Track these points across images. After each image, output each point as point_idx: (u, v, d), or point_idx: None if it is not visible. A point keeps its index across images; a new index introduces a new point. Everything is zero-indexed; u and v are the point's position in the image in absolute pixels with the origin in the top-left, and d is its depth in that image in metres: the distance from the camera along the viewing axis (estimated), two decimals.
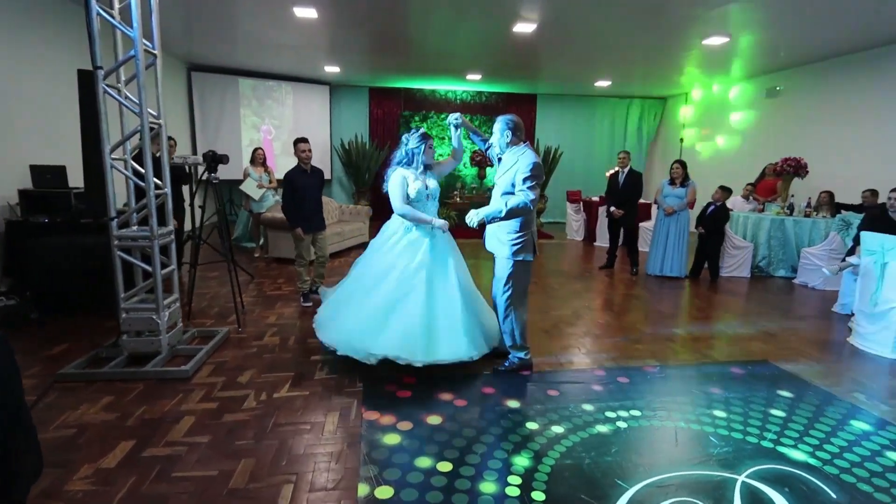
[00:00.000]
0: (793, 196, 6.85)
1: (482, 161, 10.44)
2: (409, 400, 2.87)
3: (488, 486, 2.11)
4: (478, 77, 9.58)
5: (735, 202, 7.26)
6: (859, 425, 2.72)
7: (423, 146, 3.20)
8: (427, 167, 3.28)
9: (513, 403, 2.86)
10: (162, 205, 3.36)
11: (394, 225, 3.28)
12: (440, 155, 3.53)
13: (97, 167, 3.08)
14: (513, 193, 2.99)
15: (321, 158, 10.16)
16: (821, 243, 5.97)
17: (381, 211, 9.81)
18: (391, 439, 2.45)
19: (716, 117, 9.91)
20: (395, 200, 3.15)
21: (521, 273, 3.15)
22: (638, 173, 6.37)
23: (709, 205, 6.17)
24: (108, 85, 3.00)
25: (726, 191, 6.22)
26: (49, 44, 5.03)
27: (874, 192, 5.96)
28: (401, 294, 3.04)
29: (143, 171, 3.12)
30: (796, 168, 6.71)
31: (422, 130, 3.25)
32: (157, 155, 3.43)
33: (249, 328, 4.01)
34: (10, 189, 4.39)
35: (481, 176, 10.80)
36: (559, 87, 10.84)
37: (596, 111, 11.79)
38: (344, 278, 3.54)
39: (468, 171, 11.24)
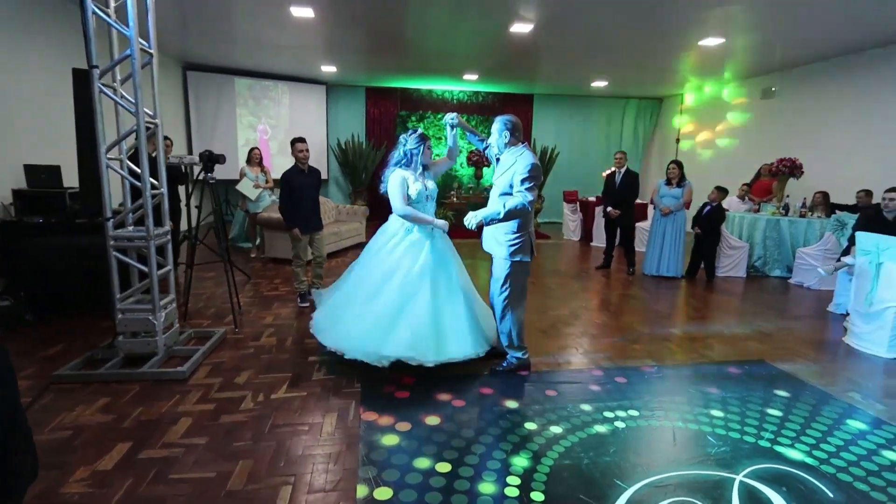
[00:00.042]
0: (788, 196, 6.88)
1: (479, 161, 10.44)
2: (407, 400, 2.86)
3: (487, 487, 2.10)
4: (474, 77, 9.58)
5: (731, 202, 7.29)
6: (855, 424, 2.74)
7: (421, 147, 3.20)
8: (424, 167, 3.28)
9: (511, 404, 2.86)
10: (158, 205, 3.34)
11: (393, 227, 3.26)
12: (436, 155, 3.54)
13: (92, 167, 3.07)
14: (511, 194, 3.00)
15: (317, 158, 10.15)
16: (816, 243, 6.01)
17: (377, 211, 9.81)
18: (390, 440, 2.44)
19: (711, 118, 9.95)
20: (396, 201, 3.13)
21: (519, 274, 3.15)
22: (634, 173, 6.39)
23: (705, 205, 6.19)
24: (103, 84, 2.98)
25: (722, 191, 6.24)
26: (43, 42, 4.99)
27: (868, 193, 6.01)
28: (407, 295, 3.04)
29: (139, 170, 3.10)
30: (791, 168, 6.75)
31: (420, 131, 3.25)
32: (154, 155, 3.42)
33: (246, 329, 3.99)
34: (3, 189, 4.36)
35: (478, 176, 10.80)
36: (556, 88, 10.85)
37: (592, 111, 11.82)
38: (338, 280, 3.51)
39: (465, 170, 11.24)
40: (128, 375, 3.02)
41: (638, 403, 2.91)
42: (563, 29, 6.17)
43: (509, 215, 2.94)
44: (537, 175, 2.94)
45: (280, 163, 9.86)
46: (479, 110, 11.27)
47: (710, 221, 6.10)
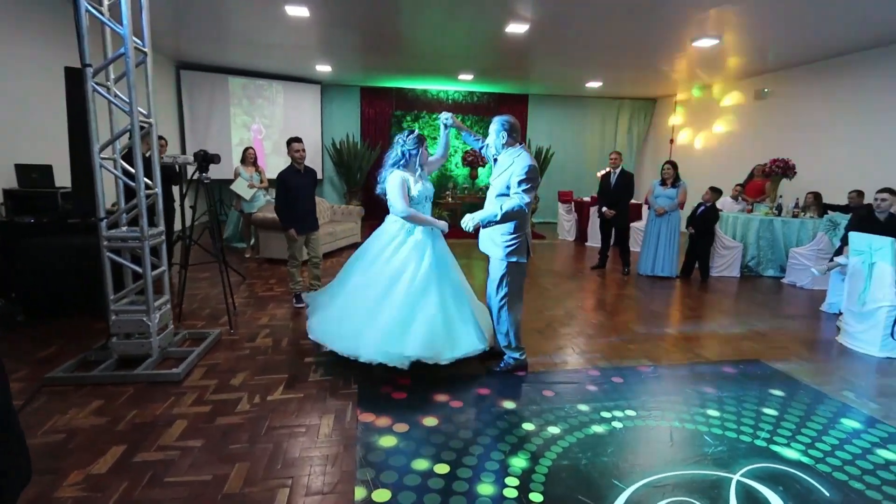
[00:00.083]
0: (781, 197, 6.93)
1: (474, 161, 10.45)
2: (404, 401, 2.85)
3: (486, 488, 2.10)
4: (470, 77, 9.58)
5: (724, 203, 7.33)
6: (850, 423, 2.76)
7: (420, 149, 3.21)
8: (420, 167, 3.28)
9: (508, 404, 2.86)
10: (152, 205, 3.31)
11: (392, 228, 3.23)
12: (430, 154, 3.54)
13: (85, 166, 3.03)
14: (507, 195, 2.99)
15: (312, 158, 10.10)
16: (809, 243, 6.06)
17: (373, 211, 9.80)
18: (387, 441, 2.43)
19: (705, 118, 10.01)
20: (398, 203, 3.11)
21: (516, 274, 3.15)
22: (629, 174, 6.41)
23: (699, 205, 6.22)
24: (97, 83, 2.94)
25: (716, 192, 6.27)
26: (34, 40, 4.93)
27: (860, 193, 6.06)
28: (418, 296, 3.03)
29: (132, 170, 3.07)
30: (784, 169, 6.80)
31: (417, 132, 3.24)
32: (147, 154, 3.38)
33: (241, 330, 3.97)
34: None
35: (473, 176, 10.81)
36: (550, 88, 10.87)
37: (587, 112, 11.85)
38: (332, 284, 3.42)
39: (460, 171, 11.25)
40: (122, 377, 2.99)
41: (635, 403, 2.91)
42: (558, 30, 6.18)
43: (506, 217, 2.94)
44: (535, 177, 2.93)
45: (274, 162, 9.81)
46: (474, 110, 11.28)
47: (704, 222, 6.14)
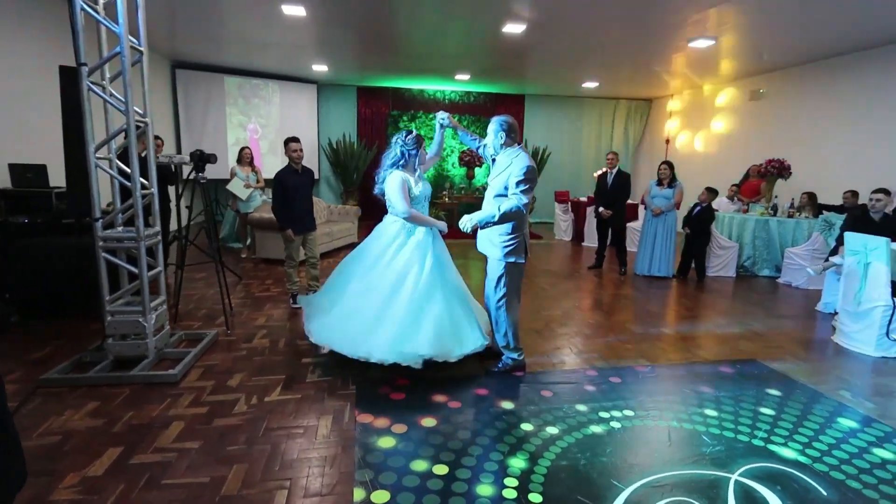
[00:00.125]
0: (776, 197, 6.97)
1: (471, 161, 10.45)
2: (402, 402, 2.84)
3: (485, 489, 2.09)
4: (466, 77, 9.58)
5: (720, 203, 7.36)
6: (846, 423, 2.77)
7: (419, 149, 3.21)
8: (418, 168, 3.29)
9: (507, 405, 2.86)
10: (148, 205, 3.29)
11: (392, 229, 3.21)
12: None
13: (80, 166, 3.01)
14: (505, 196, 2.99)
15: (308, 158, 9.97)
16: (804, 243, 6.09)
17: (370, 211, 9.78)
18: (386, 442, 2.42)
19: (700, 119, 10.05)
20: (400, 203, 3.10)
21: (514, 274, 3.15)
22: (626, 174, 6.43)
23: (695, 205, 6.24)
24: (92, 82, 2.92)
25: (712, 192, 6.30)
26: (28, 39, 4.90)
27: (854, 193, 6.10)
28: (424, 295, 3.04)
29: (128, 170, 3.04)
30: (780, 169, 6.83)
31: (415, 132, 3.23)
32: (143, 154, 3.36)
33: (238, 330, 3.95)
34: None
35: (470, 176, 10.81)
36: (547, 88, 10.89)
37: (583, 112, 11.88)
38: (329, 287, 3.36)
39: (456, 171, 11.24)
40: (118, 379, 2.97)
41: (633, 403, 2.92)
42: (555, 30, 6.19)
43: (504, 218, 2.93)
44: (533, 178, 2.93)
45: (270, 162, 9.79)
46: (471, 110, 11.28)
47: (700, 222, 6.16)
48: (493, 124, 3.08)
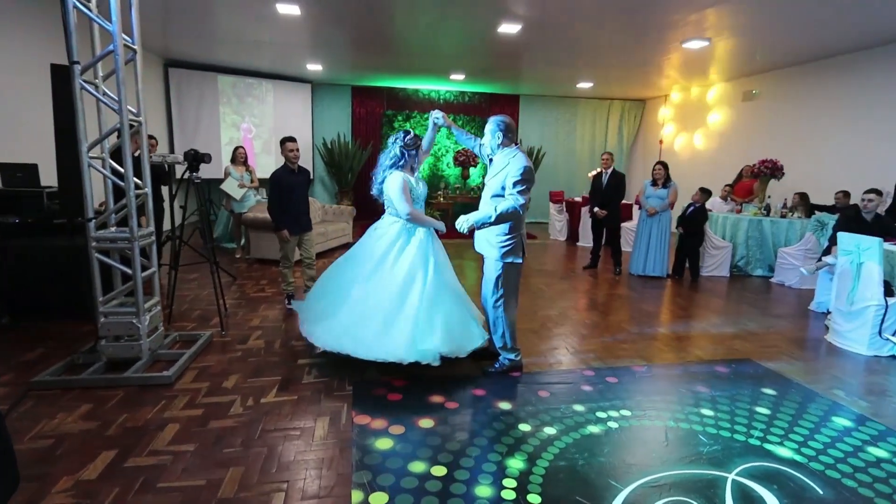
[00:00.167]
0: (769, 197, 7.02)
1: (466, 161, 10.45)
2: (399, 403, 2.83)
3: (484, 490, 2.09)
4: (461, 77, 9.58)
5: (714, 203, 7.41)
6: (841, 421, 2.79)
7: (417, 150, 3.21)
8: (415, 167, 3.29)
9: (504, 405, 2.85)
10: (142, 205, 3.25)
11: (393, 230, 3.19)
12: None
13: (72, 166, 2.97)
14: (503, 196, 2.99)
15: (303, 158, 9.92)
16: (797, 243, 6.14)
17: (365, 211, 9.75)
18: (383, 444, 2.41)
19: (694, 119, 10.11)
20: (403, 204, 3.09)
21: (511, 275, 3.14)
22: (621, 174, 6.45)
23: (689, 206, 6.28)
24: (84, 81, 2.88)
25: (706, 192, 6.33)
26: (18, 37, 4.83)
27: (846, 194, 6.15)
28: (433, 295, 3.05)
29: (121, 170, 3.01)
30: (773, 170, 6.88)
31: (413, 133, 3.22)
32: (137, 154, 3.33)
33: (233, 331, 3.92)
34: None
35: (465, 176, 10.80)
36: (542, 88, 10.91)
37: (578, 112, 11.91)
38: (327, 290, 3.30)
39: (451, 170, 11.24)
40: (111, 381, 2.94)
41: (630, 403, 2.92)
42: (550, 30, 6.20)
43: (501, 219, 2.92)
44: (530, 178, 2.93)
45: (264, 162, 9.74)
46: (466, 110, 11.28)
47: (693, 222, 6.19)
48: (491, 124, 3.07)
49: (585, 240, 8.25)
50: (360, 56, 8.05)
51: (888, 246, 4.10)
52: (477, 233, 3.19)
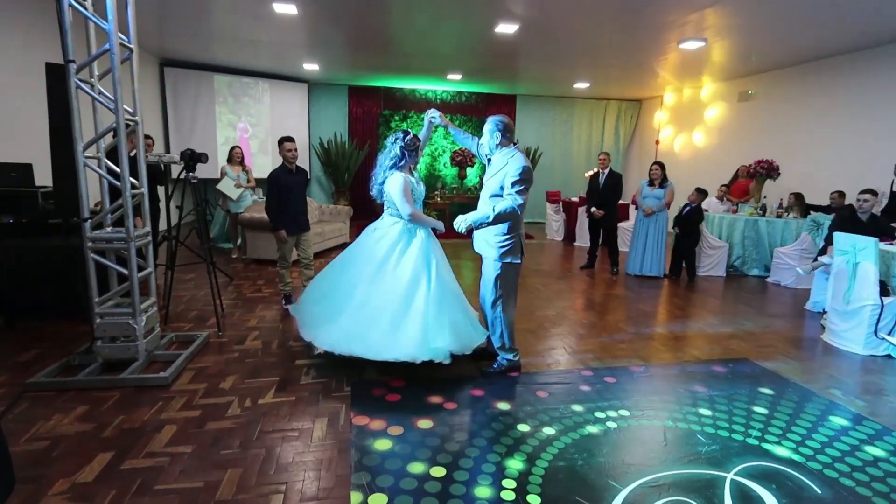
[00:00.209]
0: (765, 197, 7.05)
1: (463, 161, 10.44)
2: (398, 404, 2.82)
3: (483, 491, 2.08)
4: (458, 77, 9.57)
5: (710, 203, 7.43)
6: (838, 421, 2.80)
7: (416, 151, 3.21)
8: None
9: (503, 406, 2.85)
10: (138, 205, 3.23)
11: (394, 231, 3.18)
12: None
13: (67, 165, 2.94)
14: (501, 196, 2.98)
15: (299, 158, 9.99)
16: (792, 243, 6.16)
17: (362, 211, 9.73)
18: (382, 445, 2.40)
19: (690, 120, 10.14)
20: (405, 205, 3.09)
21: (510, 275, 3.14)
22: (618, 174, 6.47)
23: (685, 206, 6.29)
24: (80, 80, 2.86)
25: (702, 193, 6.35)
26: (12, 35, 4.79)
27: (841, 194, 6.18)
28: (438, 294, 3.07)
29: (117, 169, 2.99)
30: (768, 170, 6.91)
31: (412, 133, 3.21)
32: (133, 154, 3.30)
33: (230, 332, 3.90)
34: None
35: (462, 176, 10.80)
36: (539, 88, 10.92)
37: (574, 112, 11.93)
38: (326, 293, 3.26)
39: (448, 171, 11.23)
40: (107, 382, 2.91)
41: (628, 403, 2.93)
42: (547, 31, 6.20)
43: (498, 219, 2.92)
44: (528, 178, 2.93)
45: (261, 162, 9.70)
46: (463, 110, 11.28)
47: (689, 222, 6.21)
48: (489, 124, 3.07)
49: (582, 240, 8.26)
50: (356, 56, 8.03)
51: (884, 246, 4.12)
52: (475, 233, 3.19)
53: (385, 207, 3.26)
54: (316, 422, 2.61)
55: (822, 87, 7.31)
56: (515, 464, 2.28)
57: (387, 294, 3.03)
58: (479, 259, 3.28)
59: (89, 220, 2.99)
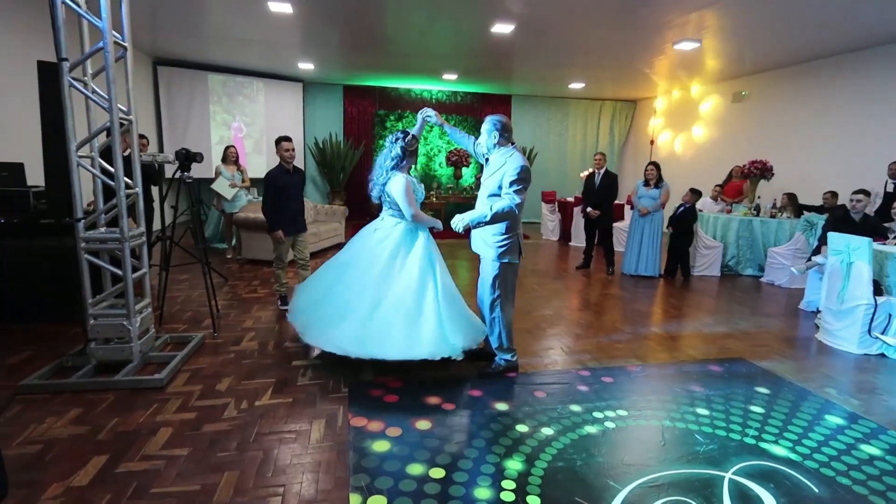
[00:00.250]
0: (759, 197, 7.09)
1: (458, 161, 10.44)
2: (396, 405, 2.81)
3: (483, 492, 2.08)
4: (454, 77, 9.57)
5: (704, 203, 7.48)
6: (834, 420, 2.82)
7: (415, 151, 3.20)
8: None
9: (501, 406, 2.84)
10: (132, 205, 3.20)
11: (397, 231, 3.16)
12: None
13: (60, 165, 2.91)
14: (499, 196, 2.98)
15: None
16: (786, 243, 6.21)
17: (357, 211, 9.71)
18: (380, 446, 2.39)
19: (684, 120, 10.20)
20: (409, 206, 3.08)
21: (508, 275, 3.14)
22: (613, 174, 6.49)
23: (679, 206, 6.32)
24: (73, 78, 2.82)
25: (696, 193, 6.38)
26: (3, 32, 4.73)
27: (834, 194, 6.24)
28: (447, 291, 3.09)
29: (111, 169, 2.95)
30: (762, 170, 6.95)
31: (411, 133, 3.20)
32: (127, 153, 3.27)
33: (225, 333, 3.87)
34: None
35: (457, 176, 10.79)
36: (534, 88, 10.93)
37: (569, 113, 11.96)
38: (328, 295, 3.20)
39: (444, 170, 11.22)
40: (101, 384, 2.88)
41: (626, 403, 2.93)
42: (542, 31, 6.21)
43: (496, 218, 2.91)
44: (526, 178, 2.92)
45: (255, 161, 9.65)
46: (458, 110, 11.28)
47: (683, 222, 6.23)
48: (487, 123, 3.06)
49: (578, 240, 8.28)
50: (352, 55, 8.01)
51: (877, 246, 4.16)
52: (473, 233, 3.18)
53: (385, 208, 3.24)
54: (313, 423, 2.59)
55: (815, 88, 7.37)
56: (514, 464, 2.28)
57: (398, 294, 3.01)
58: (474, 259, 3.28)
59: (83, 221, 2.95)
